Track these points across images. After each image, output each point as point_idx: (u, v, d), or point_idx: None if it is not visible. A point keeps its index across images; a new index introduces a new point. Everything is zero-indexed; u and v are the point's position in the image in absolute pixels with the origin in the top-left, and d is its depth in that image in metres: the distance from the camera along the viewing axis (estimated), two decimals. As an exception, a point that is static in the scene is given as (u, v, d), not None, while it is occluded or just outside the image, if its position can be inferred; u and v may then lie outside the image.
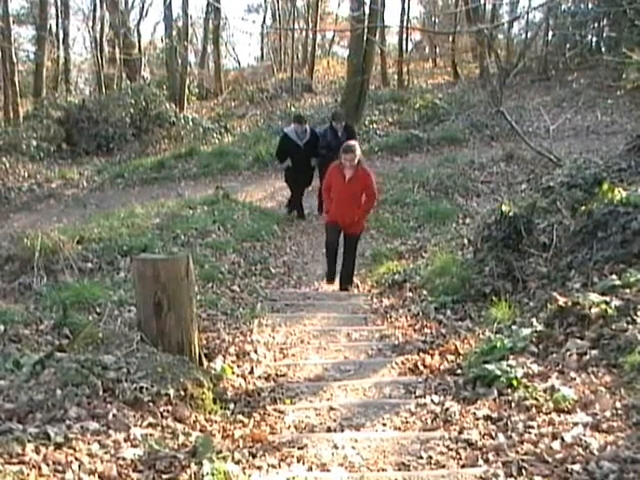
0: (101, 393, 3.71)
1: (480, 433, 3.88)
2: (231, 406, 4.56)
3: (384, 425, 4.27)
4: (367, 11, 18.85)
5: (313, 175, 12.40)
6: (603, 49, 24.84)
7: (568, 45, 24.57)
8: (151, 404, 3.77)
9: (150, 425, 3.62)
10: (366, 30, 17.37)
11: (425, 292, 7.68)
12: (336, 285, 8.89)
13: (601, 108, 18.41)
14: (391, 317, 7.30)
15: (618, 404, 3.83)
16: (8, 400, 3.69)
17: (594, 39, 25.33)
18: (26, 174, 17.64)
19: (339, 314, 7.54)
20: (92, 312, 7.35)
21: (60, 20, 26.50)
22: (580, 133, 16.64)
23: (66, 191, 16.52)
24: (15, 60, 20.65)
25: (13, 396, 3.71)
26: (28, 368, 3.99)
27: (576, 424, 3.71)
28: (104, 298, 7.64)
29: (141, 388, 3.78)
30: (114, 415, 3.56)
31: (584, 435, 3.57)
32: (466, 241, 9.05)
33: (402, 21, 26.92)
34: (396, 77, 26.56)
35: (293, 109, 22.88)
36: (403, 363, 5.60)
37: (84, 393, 3.66)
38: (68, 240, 9.46)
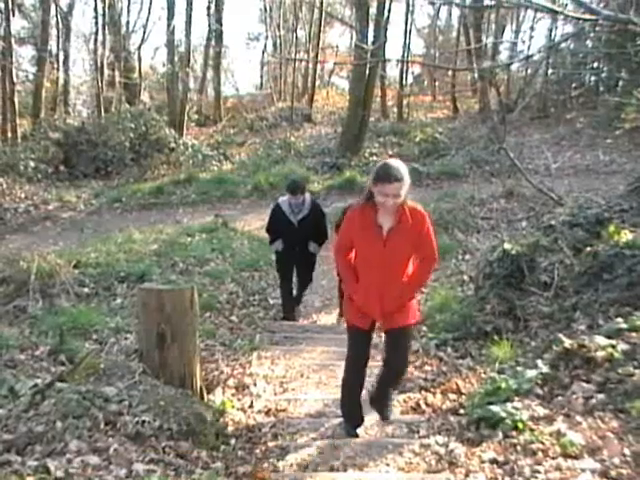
0: (102, 426, 3.62)
1: (486, 477, 3.81)
2: (232, 441, 4.47)
3: (388, 465, 4.19)
4: (370, 44, 19.02)
5: (312, 265, 8.93)
6: (601, 88, 25.06)
7: (571, 84, 24.78)
8: (153, 439, 3.69)
9: (152, 461, 3.53)
10: (369, 63, 17.48)
11: (425, 328, 7.61)
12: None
13: (600, 147, 18.50)
14: (391, 353, 7.22)
15: (627, 451, 3.78)
16: (6, 430, 3.61)
17: (593, 78, 25.57)
18: (23, 195, 17.61)
19: (338, 348, 7.42)
20: (88, 338, 7.29)
21: (61, 41, 26.64)
22: (579, 172, 16.69)
23: (63, 214, 16.48)
24: (15, 80, 20.67)
25: (12, 426, 3.63)
26: (27, 397, 3.91)
27: (584, 470, 3.65)
28: (101, 325, 7.58)
29: (143, 422, 3.70)
30: (115, 450, 3.47)
31: (593, 483, 3.52)
32: (466, 277, 9.01)
33: (404, 55, 27.11)
34: (396, 110, 26.72)
35: (293, 139, 22.95)
36: (405, 401, 5.53)
37: (85, 426, 3.57)
38: (65, 264, 9.40)
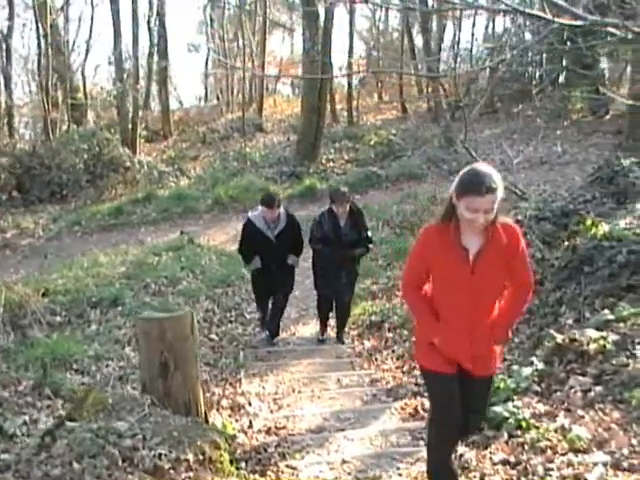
0: (120, 463, 3.55)
1: (502, 479, 3.84)
2: (242, 465, 4.43)
3: (401, 476, 4.21)
4: (319, 50, 19.02)
5: (291, 280, 8.13)
6: (542, 78, 25.44)
7: (529, 76, 25.10)
8: (172, 471, 3.63)
9: (175, 495, 3.50)
10: (320, 69, 17.54)
11: (406, 332, 7.65)
12: None
13: (551, 139, 18.81)
14: (377, 360, 7.26)
15: (634, 441, 3.86)
16: (19, 476, 3.51)
17: (536, 71, 25.97)
18: (-23, 224, 17.20)
19: (324, 359, 7.47)
20: (69, 369, 7.13)
21: (1, 65, 26.05)
22: (534, 165, 16.94)
23: (22, 241, 16.12)
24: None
25: (24, 471, 3.53)
26: (36, 440, 3.81)
27: (596, 464, 3.71)
28: (80, 353, 7.43)
29: (160, 455, 3.64)
30: (137, 486, 3.42)
31: (607, 475, 3.58)
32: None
33: (349, 58, 27.29)
34: (345, 114, 26.80)
35: (247, 150, 22.82)
36: (402, 408, 5.56)
37: (103, 465, 3.49)
38: (33, 293, 9.20)
